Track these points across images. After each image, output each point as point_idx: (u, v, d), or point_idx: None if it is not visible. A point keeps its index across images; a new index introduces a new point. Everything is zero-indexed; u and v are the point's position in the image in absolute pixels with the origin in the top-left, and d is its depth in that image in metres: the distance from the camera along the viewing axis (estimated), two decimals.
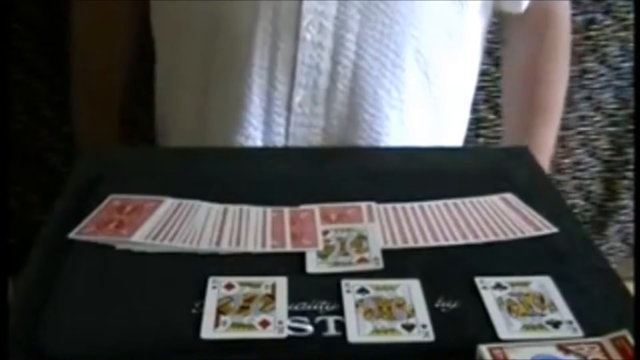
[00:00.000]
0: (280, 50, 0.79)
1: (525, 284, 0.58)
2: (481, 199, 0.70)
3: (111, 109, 0.98)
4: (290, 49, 0.79)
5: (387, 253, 0.62)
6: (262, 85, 0.80)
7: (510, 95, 0.98)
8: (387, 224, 0.66)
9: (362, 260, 0.61)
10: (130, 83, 0.99)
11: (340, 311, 0.55)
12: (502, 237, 0.65)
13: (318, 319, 0.54)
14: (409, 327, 0.54)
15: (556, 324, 0.54)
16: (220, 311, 0.55)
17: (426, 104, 0.85)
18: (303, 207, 0.68)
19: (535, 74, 0.94)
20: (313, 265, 0.60)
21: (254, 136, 0.82)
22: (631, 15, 1.12)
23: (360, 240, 0.64)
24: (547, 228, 0.66)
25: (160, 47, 0.90)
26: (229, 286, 0.57)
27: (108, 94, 0.97)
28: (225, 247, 0.62)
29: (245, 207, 0.67)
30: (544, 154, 0.95)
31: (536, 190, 0.73)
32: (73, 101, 0.98)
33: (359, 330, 0.53)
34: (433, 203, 0.69)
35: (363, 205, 0.68)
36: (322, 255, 0.62)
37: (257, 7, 0.78)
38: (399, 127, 0.83)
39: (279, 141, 0.82)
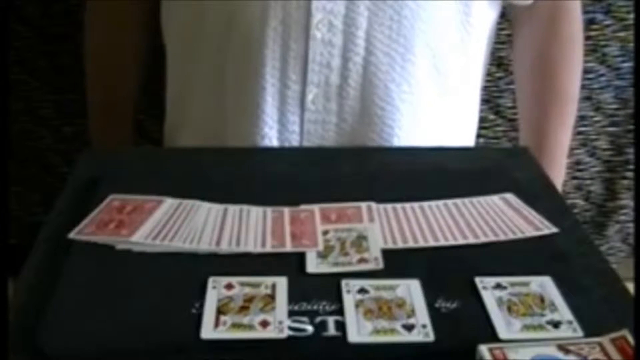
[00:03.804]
0: (292, 50, 0.80)
1: (525, 284, 0.58)
2: (481, 199, 0.70)
3: (125, 112, 0.99)
4: (301, 48, 0.80)
5: (387, 253, 0.62)
6: (275, 85, 0.81)
7: (524, 88, 0.98)
8: (387, 224, 0.66)
9: (362, 260, 0.61)
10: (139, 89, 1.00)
11: (340, 311, 0.55)
12: (502, 237, 0.65)
13: (318, 319, 0.54)
14: (409, 327, 0.54)
15: (556, 324, 0.54)
16: (220, 311, 0.55)
17: (437, 96, 0.85)
18: (303, 207, 0.68)
19: (549, 60, 0.93)
20: (313, 265, 0.60)
21: (270, 135, 0.83)
22: (631, 15, 1.12)
23: (360, 240, 0.64)
24: (547, 228, 0.66)
25: (172, 52, 0.91)
26: (229, 286, 0.57)
27: (122, 98, 0.98)
28: (225, 247, 0.62)
29: (245, 207, 0.67)
30: (560, 151, 0.95)
31: (536, 190, 0.73)
32: (88, 105, 0.99)
33: (359, 330, 0.53)
34: (433, 203, 0.69)
35: (363, 205, 0.68)
36: (322, 255, 0.62)
37: (267, 8, 0.79)
38: (411, 121, 0.84)
39: (294, 139, 0.83)
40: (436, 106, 0.86)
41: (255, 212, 0.67)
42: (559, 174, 0.95)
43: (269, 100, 0.82)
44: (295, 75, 0.81)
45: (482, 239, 0.64)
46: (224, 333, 0.53)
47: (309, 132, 0.83)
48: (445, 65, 0.85)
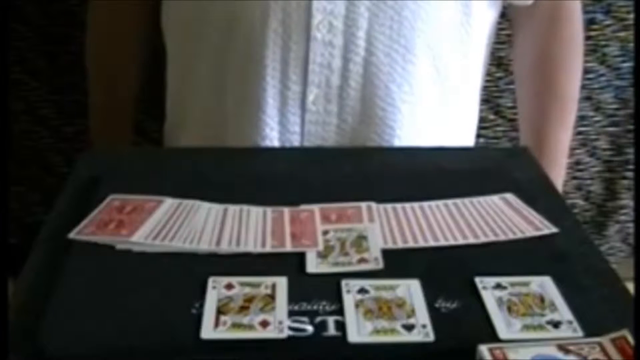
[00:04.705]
0: (292, 51, 0.80)
1: (525, 284, 0.58)
2: (481, 199, 0.70)
3: (126, 113, 0.99)
4: (301, 49, 0.80)
5: (387, 253, 0.62)
6: (275, 86, 0.81)
7: (524, 88, 0.98)
8: (387, 224, 0.66)
9: (362, 260, 0.61)
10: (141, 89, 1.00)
11: (340, 311, 0.55)
12: (502, 237, 0.65)
13: (318, 319, 0.54)
14: (409, 327, 0.54)
15: (556, 324, 0.54)
16: (220, 311, 0.55)
17: (437, 97, 0.86)
18: (303, 207, 0.68)
19: (549, 60, 0.93)
20: (313, 265, 0.60)
21: (271, 137, 0.83)
22: (631, 15, 1.12)
23: (360, 240, 0.64)
24: (547, 228, 0.66)
25: (172, 52, 0.90)
26: (229, 286, 0.57)
27: (123, 98, 0.98)
28: (225, 247, 0.62)
29: (245, 207, 0.67)
30: (560, 151, 0.95)
31: (536, 190, 0.73)
32: (89, 105, 0.99)
33: (359, 330, 0.53)
34: (433, 203, 0.69)
35: (363, 205, 0.68)
36: (322, 255, 0.62)
37: (267, 9, 0.79)
38: (412, 121, 0.84)
39: (295, 140, 0.83)
40: (437, 106, 0.86)
41: (255, 212, 0.67)
42: (559, 174, 0.95)
43: (269, 101, 0.82)
44: (295, 76, 0.81)
45: (482, 239, 0.64)
46: (224, 333, 0.53)
47: (309, 133, 0.83)
48: (445, 65, 0.85)
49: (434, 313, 0.55)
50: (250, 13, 0.80)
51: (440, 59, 0.84)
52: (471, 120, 0.94)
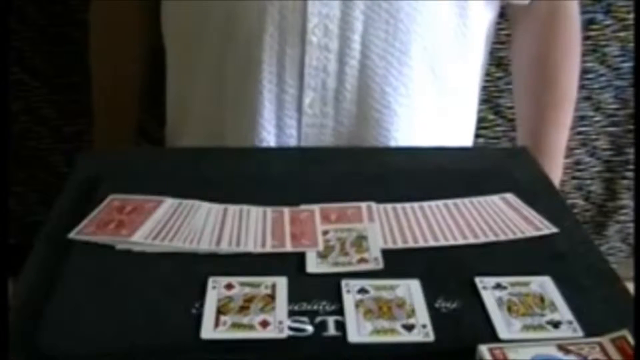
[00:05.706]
0: (288, 55, 0.80)
1: (525, 284, 0.58)
2: (481, 199, 0.70)
3: (128, 113, 0.99)
4: (297, 53, 0.80)
5: (387, 253, 0.62)
6: (272, 90, 0.81)
7: (522, 88, 0.98)
8: (387, 224, 0.66)
9: (362, 260, 0.61)
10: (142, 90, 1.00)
11: (340, 311, 0.55)
12: (502, 237, 0.65)
13: (318, 319, 0.54)
14: (409, 327, 0.54)
15: (556, 324, 0.54)
16: (220, 311, 0.55)
17: (434, 99, 0.85)
18: (303, 207, 0.68)
19: (547, 60, 0.93)
20: (313, 265, 0.60)
21: (268, 140, 0.83)
22: (631, 15, 1.12)
23: (360, 240, 0.64)
24: (547, 228, 0.66)
25: (172, 53, 0.91)
26: (229, 286, 0.57)
27: (125, 98, 0.98)
28: (225, 247, 0.62)
29: (245, 207, 0.67)
30: (557, 151, 0.95)
31: (536, 190, 0.73)
32: (92, 106, 0.99)
33: (359, 330, 0.53)
34: (433, 203, 0.69)
35: (363, 205, 0.68)
36: (322, 255, 0.62)
37: (264, 13, 0.79)
38: (408, 124, 0.84)
39: (292, 143, 0.83)
40: (434, 108, 0.86)
41: (255, 212, 0.67)
42: (556, 174, 0.95)
43: (266, 104, 0.82)
44: (292, 79, 0.81)
45: (482, 239, 0.64)
46: (224, 333, 0.53)
47: (306, 136, 0.83)
48: (442, 67, 0.84)
49: (434, 313, 0.55)
50: (247, 15, 0.80)
51: (437, 61, 0.84)
52: (469, 121, 0.93)
